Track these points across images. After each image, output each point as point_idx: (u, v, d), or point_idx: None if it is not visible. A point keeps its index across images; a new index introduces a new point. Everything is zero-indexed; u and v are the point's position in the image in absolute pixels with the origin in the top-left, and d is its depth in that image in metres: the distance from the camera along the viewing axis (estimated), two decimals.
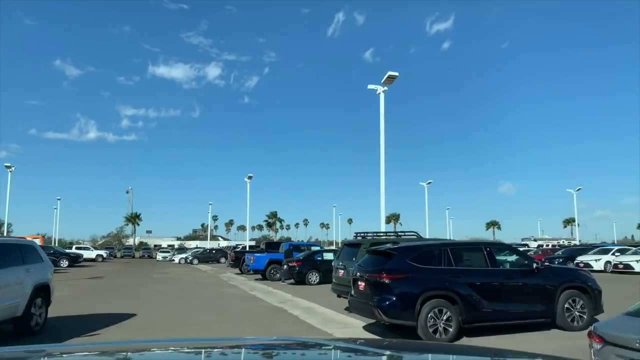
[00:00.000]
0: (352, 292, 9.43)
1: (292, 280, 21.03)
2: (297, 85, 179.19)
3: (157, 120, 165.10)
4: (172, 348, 1.96)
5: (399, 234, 12.69)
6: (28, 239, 12.26)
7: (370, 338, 7.51)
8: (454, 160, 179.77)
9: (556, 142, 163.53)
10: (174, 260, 51.50)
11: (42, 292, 9.30)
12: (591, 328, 4.96)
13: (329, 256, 21.36)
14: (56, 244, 62.53)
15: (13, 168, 42.92)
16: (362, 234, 13.22)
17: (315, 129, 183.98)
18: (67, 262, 37.93)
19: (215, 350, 1.90)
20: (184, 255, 50.20)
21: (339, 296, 12.25)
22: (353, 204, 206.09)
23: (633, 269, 24.87)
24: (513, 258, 9.59)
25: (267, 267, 23.86)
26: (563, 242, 70.56)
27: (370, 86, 20.41)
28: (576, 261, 27.50)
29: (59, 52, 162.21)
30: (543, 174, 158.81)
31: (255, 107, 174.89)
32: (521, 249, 24.35)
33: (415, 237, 12.50)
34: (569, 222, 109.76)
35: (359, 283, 9.05)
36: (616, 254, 27.24)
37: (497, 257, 9.22)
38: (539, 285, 9.03)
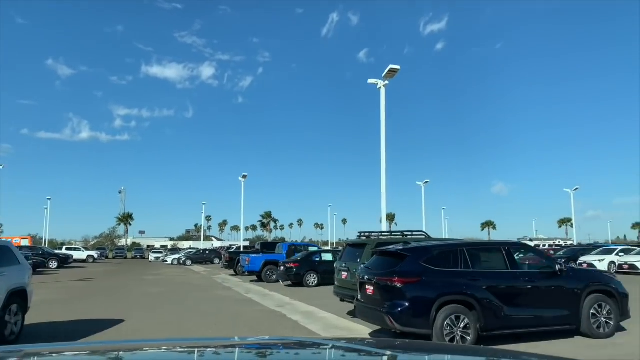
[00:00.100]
0: (359, 297, 8.64)
1: (289, 282, 20.24)
2: (291, 85, 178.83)
3: (151, 120, 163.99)
4: (164, 347, 1.92)
5: (405, 233, 11.90)
6: (3, 239, 11.38)
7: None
8: (449, 161, 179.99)
9: (551, 144, 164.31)
10: (166, 261, 50.46)
11: (18, 298, 8.43)
12: None
13: (327, 257, 20.62)
14: (46, 245, 61.29)
15: (2, 167, 41.79)
16: (366, 234, 12.43)
17: (309, 129, 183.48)
18: (56, 264, 36.88)
19: (209, 349, 1.87)
20: (176, 256, 49.14)
21: (342, 300, 11.46)
22: (347, 205, 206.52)
23: (639, 269, 24.26)
24: (534, 259, 8.85)
25: (263, 268, 23.01)
26: (559, 242, 70.22)
27: (371, 80, 19.66)
28: (579, 261, 26.89)
29: (52, 51, 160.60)
30: (537, 175, 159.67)
31: (249, 107, 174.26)
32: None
33: (423, 237, 11.72)
34: (563, 222, 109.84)
35: (367, 287, 8.27)
36: (620, 254, 26.64)
37: (517, 258, 8.47)
38: (563, 289, 8.29)
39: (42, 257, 35.61)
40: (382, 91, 19.31)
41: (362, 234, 12.50)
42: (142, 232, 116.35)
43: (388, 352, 1.92)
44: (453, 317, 7.49)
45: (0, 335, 7.83)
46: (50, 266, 36.07)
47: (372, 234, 12.35)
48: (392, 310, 7.49)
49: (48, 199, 66.49)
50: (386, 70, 18.70)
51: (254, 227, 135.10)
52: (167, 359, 1.77)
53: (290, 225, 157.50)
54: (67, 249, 50.95)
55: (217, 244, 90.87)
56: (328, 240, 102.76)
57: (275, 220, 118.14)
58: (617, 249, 28.24)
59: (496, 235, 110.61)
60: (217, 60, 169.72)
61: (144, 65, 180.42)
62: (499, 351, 2.05)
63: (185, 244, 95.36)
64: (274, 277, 22.17)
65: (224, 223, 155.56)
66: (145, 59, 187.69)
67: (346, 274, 11.23)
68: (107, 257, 65.25)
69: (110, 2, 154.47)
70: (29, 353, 1.71)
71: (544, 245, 51.47)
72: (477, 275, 7.86)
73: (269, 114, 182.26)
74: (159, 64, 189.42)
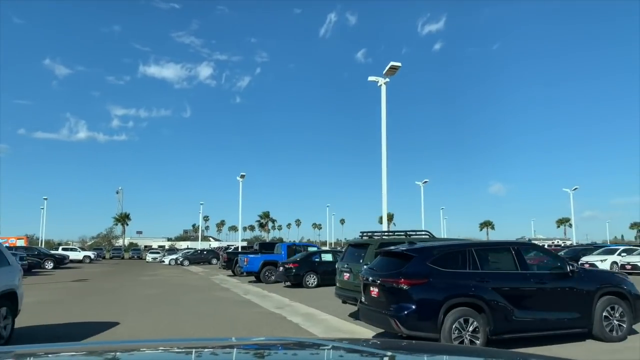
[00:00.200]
0: (363, 299, 8.31)
1: (287, 283, 19.91)
2: (288, 85, 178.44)
3: (148, 120, 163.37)
4: (161, 348, 1.91)
5: (409, 233, 11.57)
6: None
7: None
8: (447, 162, 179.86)
9: (549, 144, 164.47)
10: (164, 261, 50.08)
11: (7, 301, 8.09)
12: None
13: (327, 257, 20.30)
14: (43, 245, 60.78)
15: None
16: (368, 234, 12.08)
17: (307, 129, 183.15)
18: (52, 264, 36.48)
19: (206, 350, 1.85)
20: (174, 257, 48.71)
21: (344, 302, 11.13)
22: (345, 205, 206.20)
23: None
24: (544, 259, 8.54)
25: (261, 269, 22.67)
26: (558, 242, 69.91)
27: (371, 78, 19.33)
28: (581, 261, 26.59)
29: (49, 51, 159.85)
30: (535, 175, 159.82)
31: (246, 107, 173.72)
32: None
33: (427, 237, 11.39)
34: (562, 222, 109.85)
35: (372, 289, 7.95)
36: (622, 254, 26.36)
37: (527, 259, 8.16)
38: (575, 290, 7.99)
39: (37, 258, 35.23)
40: (383, 89, 19.00)
41: (365, 234, 12.16)
42: (139, 233, 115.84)
43: (387, 353, 1.89)
44: (461, 320, 7.18)
45: None
46: (46, 267, 35.68)
47: (375, 234, 12.02)
48: (398, 313, 7.18)
49: (44, 199, 66.06)
50: (387, 68, 18.38)
51: (251, 227, 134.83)
52: (164, 359, 1.74)
53: (288, 225, 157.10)
54: (64, 249, 50.52)
55: (214, 244, 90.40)
56: (326, 241, 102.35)
57: (273, 221, 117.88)
58: (619, 249, 27.95)
59: (494, 235, 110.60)
60: (215, 60, 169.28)
61: (141, 65, 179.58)
62: (498, 352, 2.03)
63: (182, 244, 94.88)
64: (273, 277, 21.84)
65: (222, 223, 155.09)
66: (142, 59, 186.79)
67: (348, 275, 10.90)
68: (104, 258, 64.81)
69: (108, 1, 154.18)
70: (24, 354, 1.68)
71: (544, 245, 51.12)
72: (486, 277, 7.55)
73: (266, 114, 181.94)
74: (157, 64, 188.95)
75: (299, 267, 19.31)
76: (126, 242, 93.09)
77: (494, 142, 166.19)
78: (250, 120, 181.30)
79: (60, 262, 38.28)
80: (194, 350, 1.83)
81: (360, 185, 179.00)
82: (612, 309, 8.08)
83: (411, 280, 7.26)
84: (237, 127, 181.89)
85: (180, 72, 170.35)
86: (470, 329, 7.19)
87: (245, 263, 23.35)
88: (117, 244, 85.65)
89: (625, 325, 8.11)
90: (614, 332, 8.04)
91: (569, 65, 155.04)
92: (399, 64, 18.22)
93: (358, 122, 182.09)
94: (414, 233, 11.62)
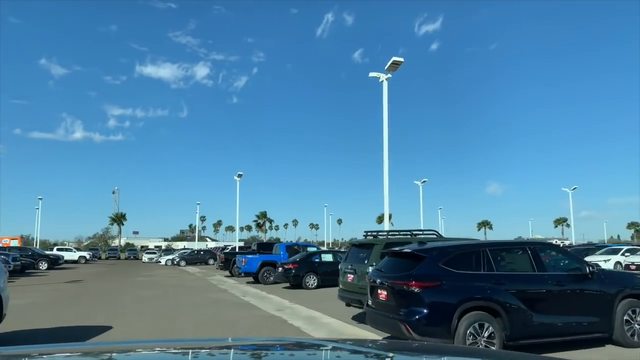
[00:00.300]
0: (370, 302, 7.85)
1: (286, 284, 19.44)
2: (285, 85, 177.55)
3: (145, 120, 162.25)
4: (157, 349, 1.89)
5: (415, 232, 11.10)
6: None
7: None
8: (444, 162, 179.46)
9: (545, 145, 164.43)
10: (160, 262, 49.51)
11: None
12: None
13: (327, 257, 19.83)
14: (38, 246, 60.07)
15: None
16: (372, 233, 11.61)
17: (305, 129, 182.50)
18: (46, 265, 35.88)
19: (203, 351, 1.82)
20: (170, 257, 48.17)
21: (348, 305, 10.65)
22: (342, 205, 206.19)
23: None
24: (561, 260, 8.09)
25: (260, 269, 22.17)
26: (556, 241, 69.73)
27: (372, 74, 18.86)
28: None
29: (45, 51, 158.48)
30: (532, 175, 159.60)
31: (243, 107, 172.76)
32: None
33: (435, 236, 10.91)
34: (559, 222, 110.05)
35: (380, 292, 7.48)
36: (626, 254, 25.99)
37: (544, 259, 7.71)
38: (595, 293, 7.55)
39: (31, 258, 34.62)
40: (385, 85, 18.54)
41: (369, 233, 11.68)
42: (136, 233, 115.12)
43: (387, 353, 1.87)
44: (476, 325, 6.72)
45: None
46: (40, 267, 35.08)
47: (380, 233, 11.54)
48: (409, 318, 6.72)
49: (39, 198, 65.29)
50: (389, 63, 17.91)
51: (248, 228, 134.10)
52: None
53: (285, 225, 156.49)
54: (58, 249, 49.86)
55: (211, 245, 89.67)
56: (324, 241, 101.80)
57: (270, 221, 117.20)
58: (622, 249, 27.58)
59: (492, 235, 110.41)
60: (212, 60, 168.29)
61: (138, 65, 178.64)
62: (503, 353, 1.96)
63: (179, 245, 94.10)
64: (272, 278, 21.36)
65: (219, 223, 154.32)
66: (139, 59, 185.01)
67: (352, 276, 10.42)
68: (99, 258, 64.18)
69: (104, 1, 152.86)
70: (18, 354, 1.64)
71: None
72: (502, 279, 7.10)
73: (263, 114, 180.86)
74: (153, 64, 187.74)
75: (299, 267, 18.83)
76: (122, 243, 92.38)
77: (492, 142, 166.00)
78: (247, 120, 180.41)
79: (55, 263, 37.67)
80: (190, 350, 1.80)
81: (357, 186, 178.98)
82: (634, 312, 7.64)
83: (423, 282, 6.80)
84: (234, 127, 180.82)
85: (177, 72, 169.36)
86: (486, 334, 6.74)
87: (243, 264, 22.85)
88: (113, 244, 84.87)
89: None
90: (636, 337, 7.61)
91: (565, 66, 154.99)
92: (401, 59, 17.76)
93: (355, 122, 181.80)
94: (420, 232, 11.16)
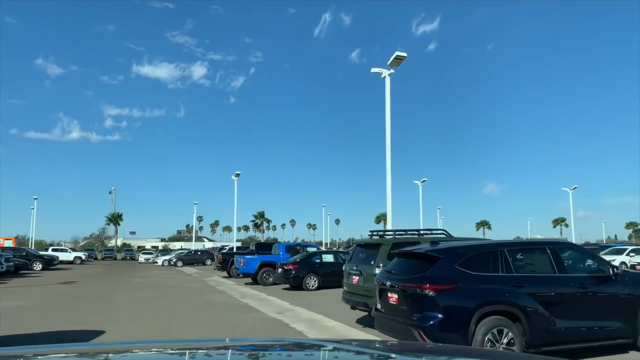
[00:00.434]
0: (379, 306, 7.37)
1: (285, 285, 18.95)
2: (283, 85, 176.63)
3: (142, 120, 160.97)
4: (154, 349, 1.87)
5: (422, 232, 10.62)
6: None
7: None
8: (442, 163, 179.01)
9: (544, 145, 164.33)
10: (157, 262, 48.77)
11: None
12: None
13: (328, 258, 19.34)
14: (33, 246, 59.35)
15: None
16: (379, 233, 11.12)
17: (302, 129, 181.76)
18: (40, 265, 35.22)
19: (200, 351, 1.80)
20: (167, 257, 47.46)
21: (353, 308, 10.17)
22: (340, 205, 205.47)
23: None
24: (582, 260, 7.63)
25: (258, 270, 21.66)
26: None
27: (374, 70, 18.38)
28: None
29: (41, 50, 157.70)
30: (530, 175, 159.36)
31: (241, 107, 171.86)
32: None
33: (444, 236, 10.43)
34: (558, 221, 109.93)
35: (390, 295, 7.01)
36: (631, 254, 25.62)
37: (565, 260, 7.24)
38: (618, 296, 7.10)
39: (25, 259, 34.00)
40: (387, 80, 18.06)
41: (375, 233, 11.20)
42: (132, 233, 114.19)
43: (388, 354, 1.84)
44: (495, 330, 6.26)
45: None
46: (35, 268, 34.44)
47: (387, 233, 11.05)
48: (423, 324, 6.24)
49: (34, 198, 64.57)
50: (392, 58, 17.43)
51: (246, 228, 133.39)
52: None
53: (283, 225, 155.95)
54: (54, 249, 49.19)
55: (208, 245, 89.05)
56: (322, 241, 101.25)
57: (268, 221, 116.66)
58: (627, 249, 27.22)
59: (491, 235, 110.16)
60: (209, 60, 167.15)
61: (135, 64, 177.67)
62: (500, 353, 2.03)
63: (176, 245, 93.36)
64: (271, 279, 20.87)
65: (216, 223, 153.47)
66: (136, 59, 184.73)
67: (357, 278, 9.94)
68: (95, 258, 63.41)
69: (101, 1, 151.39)
70: (12, 355, 1.55)
71: None
72: (521, 281, 6.64)
73: (261, 114, 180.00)
74: (150, 64, 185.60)
75: (299, 268, 18.33)
76: (119, 243, 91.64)
77: (490, 142, 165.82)
78: (245, 120, 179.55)
79: (50, 264, 36.99)
80: (187, 351, 1.79)
81: (355, 186, 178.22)
82: None
83: (438, 285, 6.32)
84: (232, 127, 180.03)
85: (174, 72, 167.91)
86: (505, 341, 6.27)
87: (241, 264, 22.34)
88: (109, 245, 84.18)
89: None
90: None
91: (563, 66, 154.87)
92: (404, 54, 17.30)
93: (353, 122, 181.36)
94: (428, 232, 10.67)
